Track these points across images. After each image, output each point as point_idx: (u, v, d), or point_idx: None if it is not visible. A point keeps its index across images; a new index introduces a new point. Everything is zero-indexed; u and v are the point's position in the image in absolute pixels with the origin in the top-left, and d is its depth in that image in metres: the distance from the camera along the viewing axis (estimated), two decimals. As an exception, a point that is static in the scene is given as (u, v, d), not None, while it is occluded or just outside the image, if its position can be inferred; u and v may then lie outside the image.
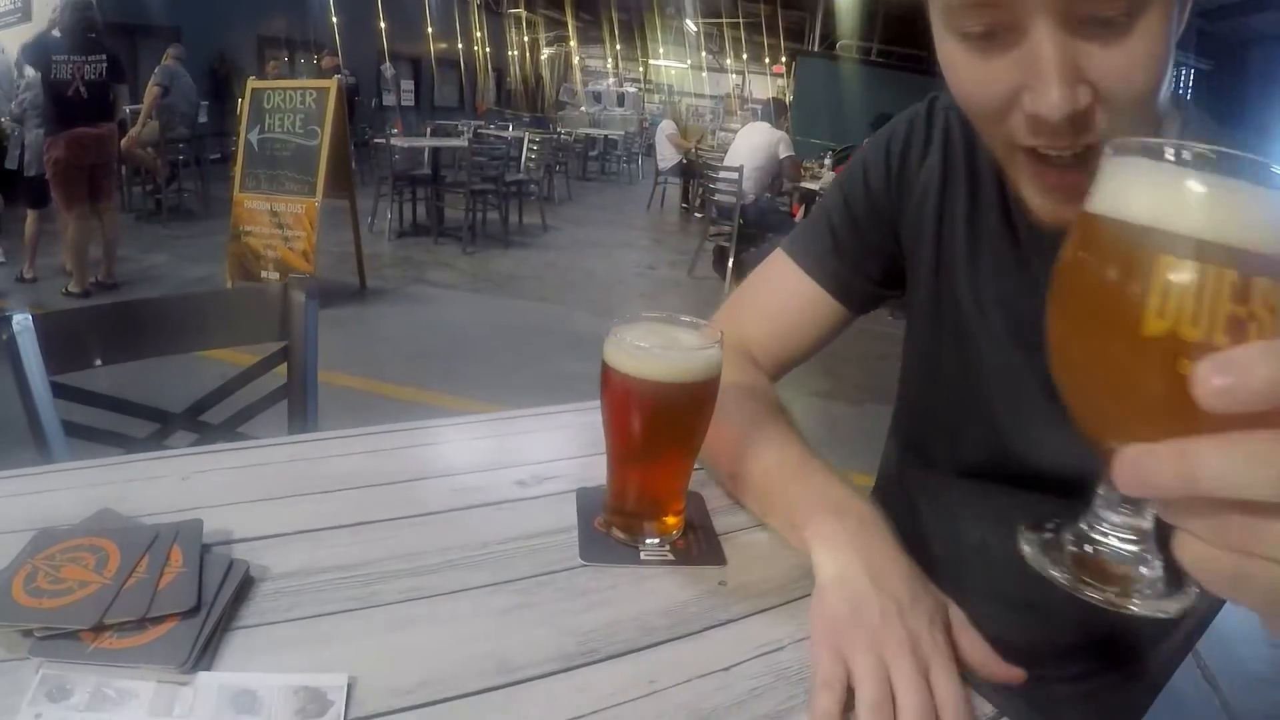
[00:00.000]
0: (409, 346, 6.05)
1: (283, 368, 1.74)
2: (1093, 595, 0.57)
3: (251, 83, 7.32)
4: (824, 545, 0.87)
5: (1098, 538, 0.59)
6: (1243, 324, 0.44)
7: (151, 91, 10.24)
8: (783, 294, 1.22)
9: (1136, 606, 0.57)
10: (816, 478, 0.96)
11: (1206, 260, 0.45)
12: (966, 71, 0.85)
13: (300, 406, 1.71)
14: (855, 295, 1.20)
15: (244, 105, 7.23)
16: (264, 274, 6.87)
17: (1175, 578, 0.57)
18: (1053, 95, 0.77)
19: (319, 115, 6.82)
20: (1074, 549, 0.60)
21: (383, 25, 23.23)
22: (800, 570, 0.91)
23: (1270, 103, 18.64)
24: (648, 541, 0.95)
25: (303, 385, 1.70)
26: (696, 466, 1.11)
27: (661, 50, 35.98)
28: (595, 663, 0.78)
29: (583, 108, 28.46)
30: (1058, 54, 0.76)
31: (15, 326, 1.53)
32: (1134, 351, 0.47)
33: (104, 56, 6.91)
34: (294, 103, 6.99)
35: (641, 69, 37.37)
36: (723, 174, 8.24)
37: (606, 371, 0.91)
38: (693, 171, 11.90)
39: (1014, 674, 0.79)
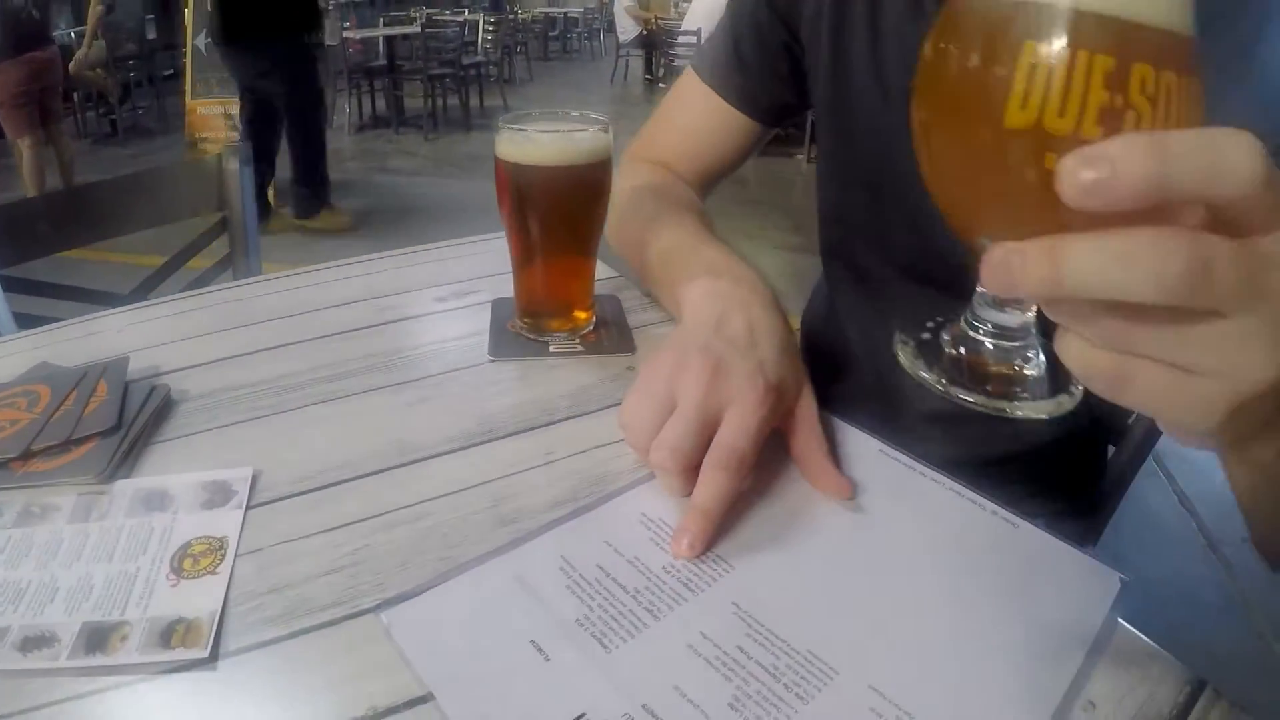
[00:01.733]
0: (376, 237, 6.03)
1: (225, 238, 1.75)
2: (966, 398, 0.54)
3: (195, -17, 7.17)
4: (690, 302, 0.86)
5: (976, 337, 0.55)
6: (1118, 115, 0.40)
7: (95, 10, 10.01)
8: (694, 111, 1.22)
9: (1014, 408, 0.54)
10: (706, 250, 0.95)
11: (1078, 40, 0.41)
12: None
13: (244, 275, 1.73)
14: (763, 108, 1.20)
15: (189, 9, 7.08)
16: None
17: (1058, 377, 0.54)
18: None
19: (269, 12, 6.68)
20: (950, 350, 0.57)
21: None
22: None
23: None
24: (557, 335, 0.98)
25: (245, 252, 1.72)
26: (615, 274, 1.14)
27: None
28: (494, 440, 0.82)
29: (539, -14, 27.83)
30: None
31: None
32: (999, 145, 0.43)
33: None
34: (243, 0, 6.84)
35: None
36: (680, 39, 8.15)
37: (497, 165, 0.93)
38: (654, 42, 11.70)
39: (841, 485, 0.73)
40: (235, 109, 6.71)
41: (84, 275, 1.70)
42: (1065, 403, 0.54)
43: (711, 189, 1.26)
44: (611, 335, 1.01)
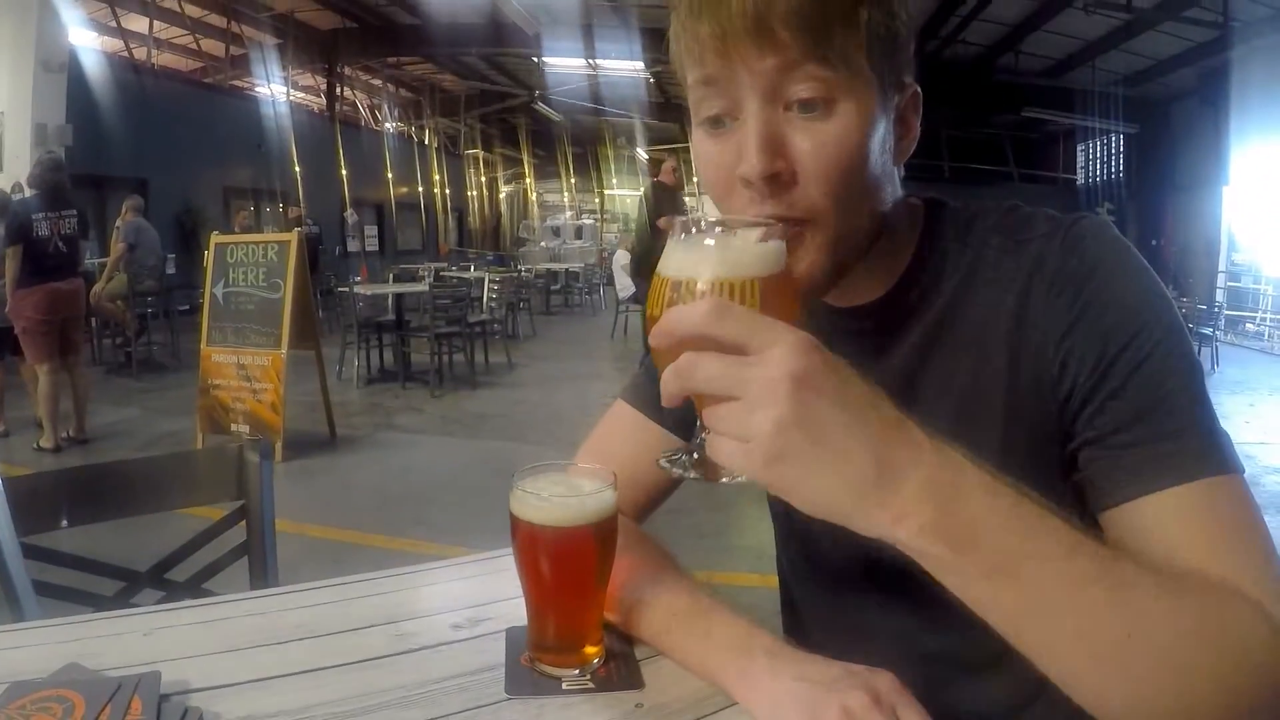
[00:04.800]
0: (380, 494, 6.09)
1: (243, 525, 1.82)
2: (679, 471, 0.86)
3: (215, 237, 7.51)
4: (745, 688, 0.95)
5: (697, 442, 0.82)
6: (675, 303, 0.78)
7: (117, 248, 10.43)
8: (629, 441, 1.27)
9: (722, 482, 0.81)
10: (712, 625, 1.03)
11: (673, 279, 0.80)
12: (705, 156, 0.99)
13: (260, 562, 1.79)
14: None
15: (208, 260, 7.39)
16: (234, 427, 6.95)
17: None
18: (752, 159, 0.90)
19: (281, 268, 6.98)
20: (684, 455, 0.86)
21: (344, 173, 23.72)
22: (714, 688, 0.99)
23: (1193, 156, 19.31)
24: (569, 673, 1.03)
25: (261, 541, 1.78)
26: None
27: (615, 180, 36.81)
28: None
29: (542, 243, 28.95)
30: (760, 127, 0.90)
31: (-14, 495, 1.63)
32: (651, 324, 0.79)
33: (75, 212, 7.12)
34: (256, 256, 7.16)
35: (597, 199, 38.15)
36: None
37: (513, 521, 1.02)
38: (653, 302, 11.98)
39: None
40: (249, 359, 6.91)
41: (102, 527, 1.77)
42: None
43: (648, 516, 1.30)
44: (620, 670, 1.05)
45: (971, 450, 1.02)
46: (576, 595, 1.05)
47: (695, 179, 8.37)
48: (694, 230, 0.81)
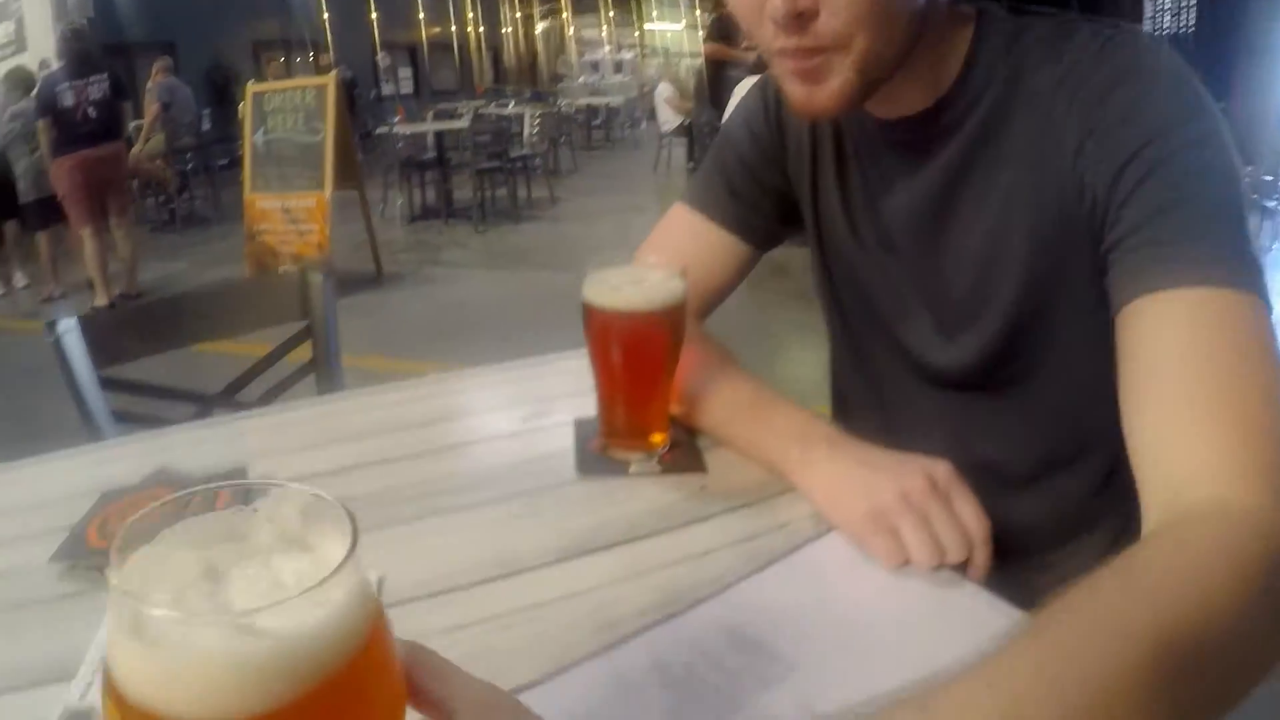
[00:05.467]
0: (428, 327, 6.18)
1: (307, 347, 1.87)
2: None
3: (251, 87, 7.49)
4: (806, 473, 0.98)
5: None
6: None
7: (152, 109, 10.42)
8: (689, 242, 1.28)
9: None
10: (774, 414, 1.06)
11: None
12: None
13: (326, 379, 1.84)
14: (757, 233, 1.28)
15: (246, 109, 7.37)
16: (281, 270, 7.01)
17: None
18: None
19: (320, 111, 6.95)
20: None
21: (374, 16, 23.28)
22: (773, 475, 1.03)
23: (1269, 18, 18.47)
24: (636, 457, 1.08)
25: (327, 359, 1.83)
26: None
27: (655, 14, 35.86)
28: (585, 555, 0.91)
29: (581, 79, 28.38)
30: None
31: (61, 328, 1.68)
32: None
33: (105, 76, 7.09)
34: (294, 102, 7.14)
35: (637, 34, 37.26)
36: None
37: (586, 310, 1.05)
38: (695, 132, 11.88)
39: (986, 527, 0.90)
40: (294, 202, 6.94)
41: (170, 360, 1.83)
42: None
43: (707, 316, 1.33)
44: (685, 456, 1.10)
45: (1002, 263, 1.03)
46: (646, 381, 1.08)
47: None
48: None
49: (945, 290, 1.11)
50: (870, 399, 1.30)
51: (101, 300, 7.16)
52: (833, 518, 0.94)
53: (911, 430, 1.18)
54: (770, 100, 1.25)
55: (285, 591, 0.41)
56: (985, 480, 0.94)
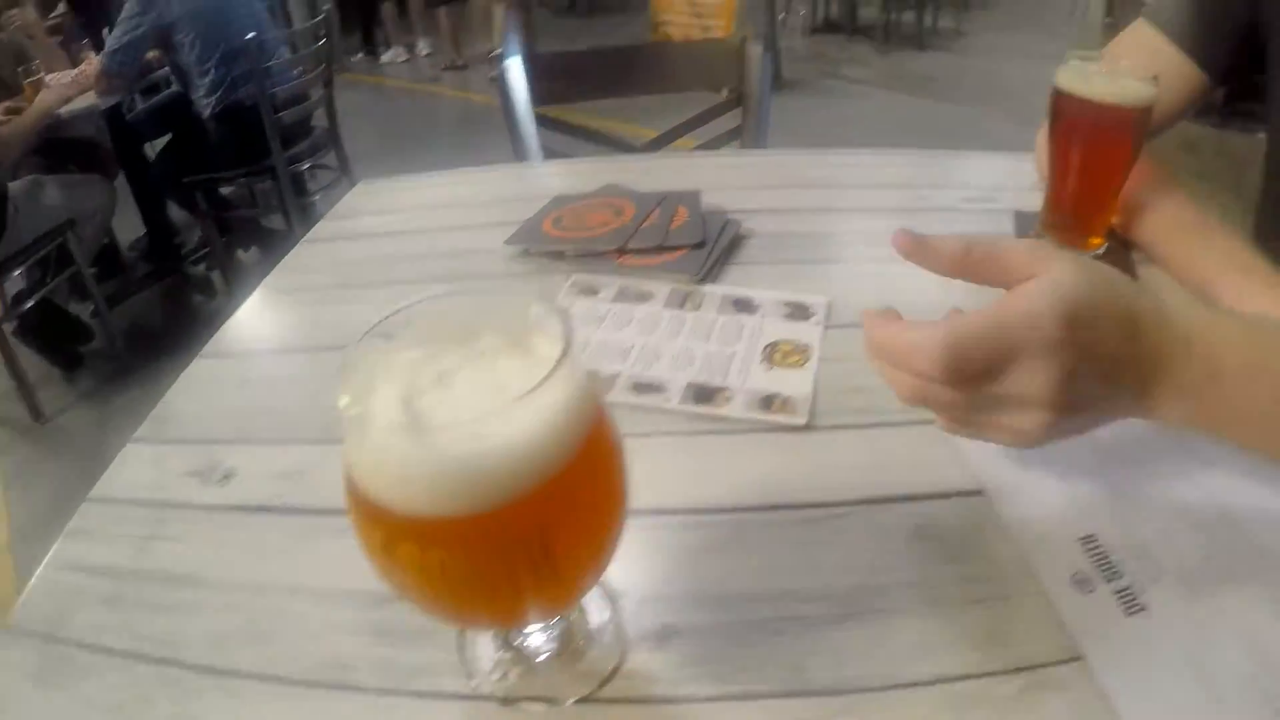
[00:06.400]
0: (825, 138, 6.12)
1: (738, 111, 1.94)
2: None
3: None
4: (1241, 302, 0.94)
5: None
6: None
7: None
8: (1146, 58, 1.22)
9: None
10: (1215, 239, 1.03)
11: None
12: None
13: (753, 142, 1.91)
14: (1218, 63, 1.20)
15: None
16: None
17: None
18: None
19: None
20: None
21: None
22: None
23: None
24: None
25: (757, 122, 1.89)
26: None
27: None
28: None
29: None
30: None
31: (507, 65, 1.83)
32: None
33: None
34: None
35: None
36: None
37: (1057, 96, 1.04)
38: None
39: None
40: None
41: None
42: None
43: (1153, 139, 1.25)
44: (1120, 264, 1.08)
45: None
46: (1102, 177, 1.07)
47: None
48: None
49: None
50: None
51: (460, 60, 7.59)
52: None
53: None
54: None
55: (506, 395, 0.43)
56: None
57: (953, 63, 8.96)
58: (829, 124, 6.46)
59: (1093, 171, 1.06)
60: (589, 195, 1.24)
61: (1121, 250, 1.12)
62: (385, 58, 8.63)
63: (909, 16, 9.65)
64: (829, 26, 9.86)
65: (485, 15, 7.75)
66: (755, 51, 1.91)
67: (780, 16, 9.19)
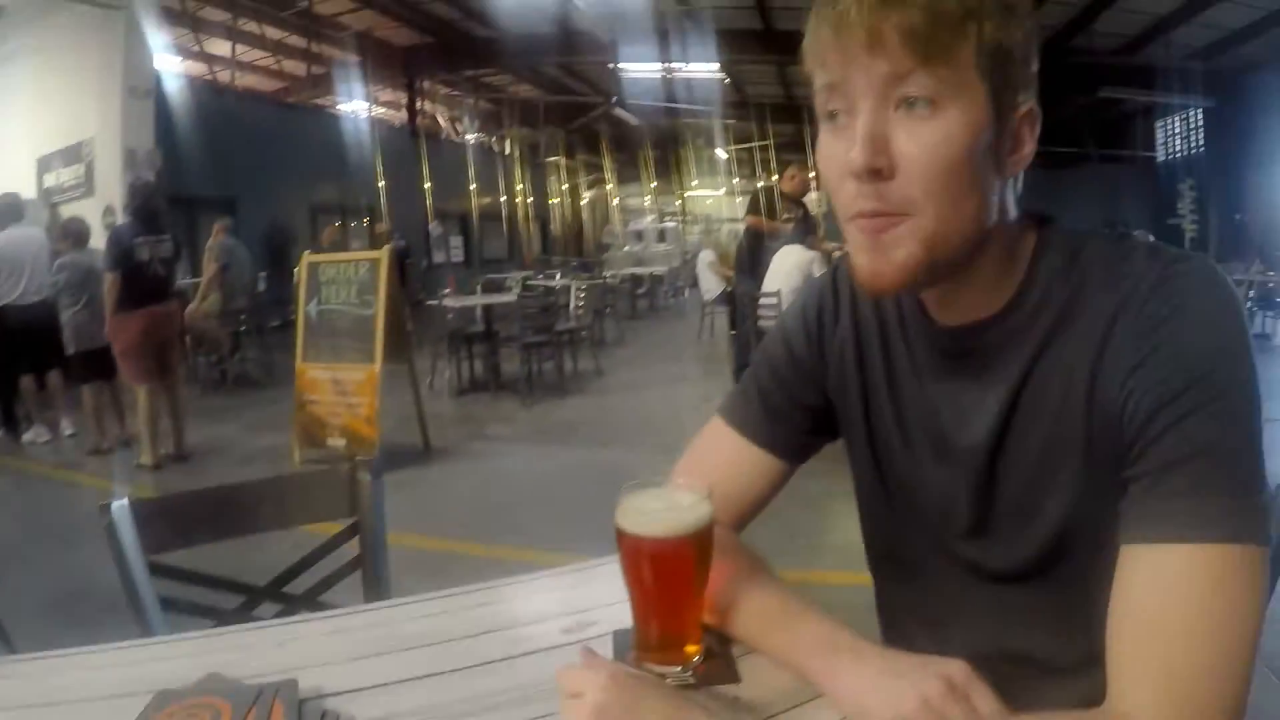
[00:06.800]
0: (476, 503, 6.18)
1: (355, 541, 1.92)
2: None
3: (306, 256, 7.63)
4: (833, 683, 1.01)
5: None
6: None
7: (210, 268, 10.76)
8: (725, 458, 1.34)
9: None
10: (801, 625, 1.10)
11: None
12: (823, 150, 1.06)
13: (373, 576, 1.88)
14: (792, 449, 1.33)
15: (301, 278, 7.51)
16: (330, 441, 7.06)
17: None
18: (856, 153, 0.97)
19: (372, 285, 7.07)
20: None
21: (428, 185, 24.08)
22: (805, 682, 1.05)
23: (1273, 129, 18.91)
24: (672, 670, 1.10)
25: (374, 556, 1.88)
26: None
27: (695, 181, 36.93)
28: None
29: (625, 247, 29.03)
30: (867, 124, 0.97)
31: (114, 513, 1.76)
32: None
33: (169, 236, 7.36)
34: (348, 274, 7.25)
35: (679, 202, 38.27)
36: (762, 300, 8.03)
37: (619, 534, 1.10)
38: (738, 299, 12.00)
39: None
40: (344, 374, 7.06)
41: (219, 550, 1.88)
42: None
43: (746, 525, 1.36)
44: (718, 667, 1.12)
45: (1057, 471, 1.08)
46: (677, 599, 1.12)
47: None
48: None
49: (998, 494, 1.14)
50: (906, 588, 1.33)
51: (147, 459, 7.19)
52: None
53: (954, 620, 1.23)
54: (811, 323, 1.32)
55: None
56: (1028, 671, 0.96)
57: (594, 405, 9.40)
58: (477, 488, 6.55)
59: (666, 596, 1.12)
60: (190, 694, 1.16)
61: (721, 649, 1.16)
62: (26, 437, 8.19)
63: (549, 365, 10.08)
64: (475, 385, 10.14)
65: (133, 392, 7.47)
66: (365, 480, 1.91)
67: (427, 380, 9.40)
